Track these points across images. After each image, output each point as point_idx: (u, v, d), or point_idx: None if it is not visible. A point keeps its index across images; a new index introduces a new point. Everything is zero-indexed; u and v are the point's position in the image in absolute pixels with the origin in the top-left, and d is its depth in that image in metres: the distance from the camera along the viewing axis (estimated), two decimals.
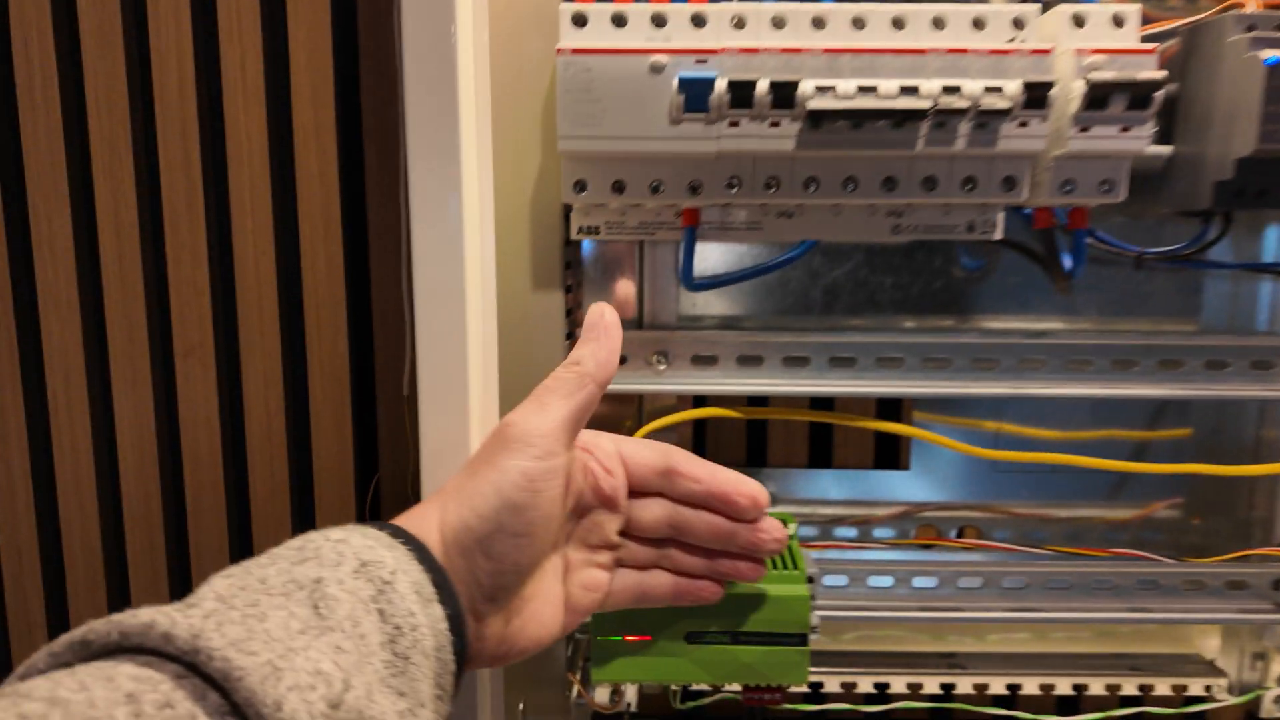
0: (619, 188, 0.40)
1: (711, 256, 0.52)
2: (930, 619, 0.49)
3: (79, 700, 0.22)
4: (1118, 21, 0.38)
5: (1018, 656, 0.55)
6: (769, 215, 0.43)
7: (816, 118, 0.37)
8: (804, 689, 0.51)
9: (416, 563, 0.31)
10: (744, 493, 0.36)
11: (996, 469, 0.55)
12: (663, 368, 0.47)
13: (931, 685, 0.53)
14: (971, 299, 0.52)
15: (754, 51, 0.37)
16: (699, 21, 0.38)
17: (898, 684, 0.53)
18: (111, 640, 0.24)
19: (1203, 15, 0.42)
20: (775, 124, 0.38)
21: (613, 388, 0.46)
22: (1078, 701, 0.55)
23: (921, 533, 0.55)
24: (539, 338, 0.45)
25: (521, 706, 0.47)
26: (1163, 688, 0.52)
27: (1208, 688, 0.53)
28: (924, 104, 0.36)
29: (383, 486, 0.59)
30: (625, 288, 0.50)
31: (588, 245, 0.49)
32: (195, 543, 0.60)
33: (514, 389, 0.44)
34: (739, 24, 0.38)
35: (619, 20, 0.38)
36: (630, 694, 0.51)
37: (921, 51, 0.37)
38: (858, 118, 0.37)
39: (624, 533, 0.38)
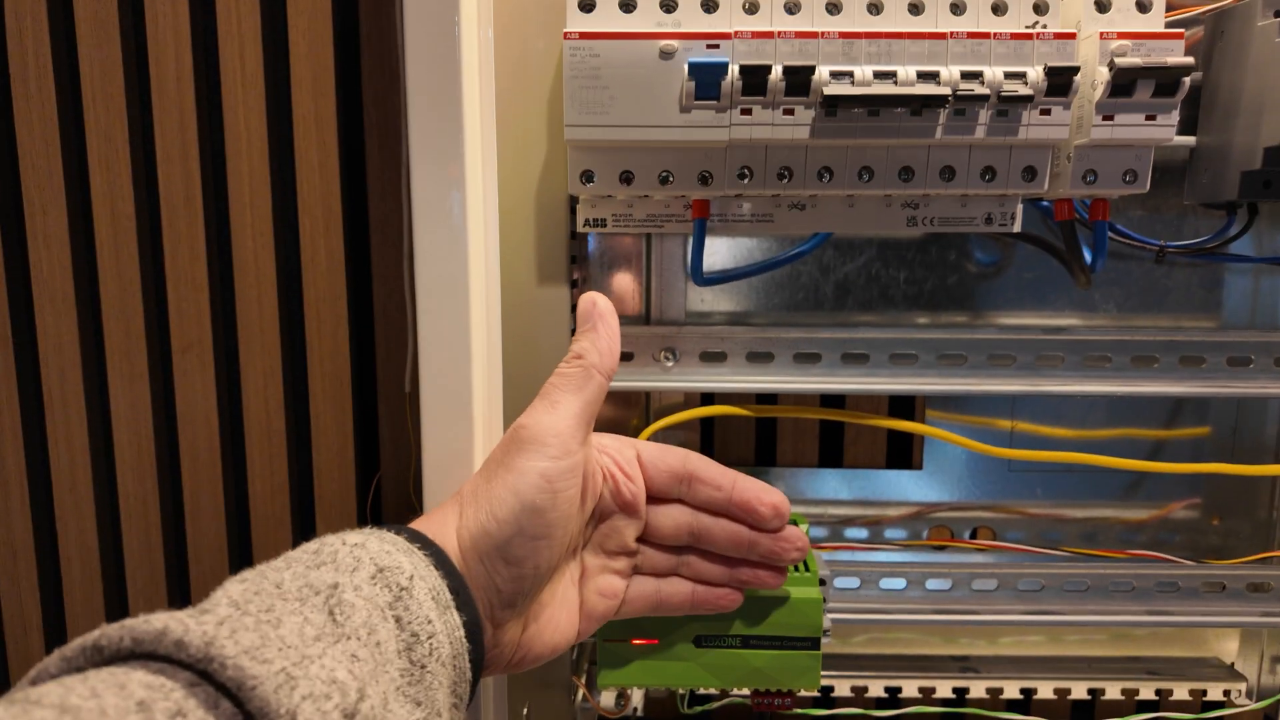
0: (627, 178, 0.39)
1: (720, 251, 0.51)
2: (943, 621, 0.48)
3: (90, 708, 0.21)
4: (1142, 6, 0.37)
5: (1032, 660, 0.54)
6: (781, 207, 0.42)
7: (832, 105, 0.36)
8: (814, 693, 0.50)
9: (434, 569, 0.31)
10: (767, 502, 0.36)
11: (1011, 468, 0.54)
12: (670, 364, 0.46)
13: (944, 689, 0.53)
14: (986, 294, 0.51)
15: (767, 36, 0.36)
16: (710, 5, 0.37)
17: (910, 688, 0.53)
18: (124, 646, 0.24)
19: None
20: (789, 111, 0.37)
21: (619, 385, 0.46)
22: (1093, 706, 0.54)
23: (934, 534, 0.54)
24: (543, 334, 0.44)
25: (526, 711, 0.47)
26: (1181, 692, 0.52)
27: (1227, 692, 0.52)
28: (944, 91, 0.35)
29: (384, 485, 0.58)
30: (624, 281, 0.49)
31: (593, 239, 0.48)
32: (193, 542, 0.59)
33: (518, 386, 0.43)
34: (751, 8, 0.37)
35: (627, 4, 0.37)
36: (636, 698, 0.51)
37: (941, 36, 0.36)
38: (875, 105, 0.36)
39: (642, 539, 0.37)
